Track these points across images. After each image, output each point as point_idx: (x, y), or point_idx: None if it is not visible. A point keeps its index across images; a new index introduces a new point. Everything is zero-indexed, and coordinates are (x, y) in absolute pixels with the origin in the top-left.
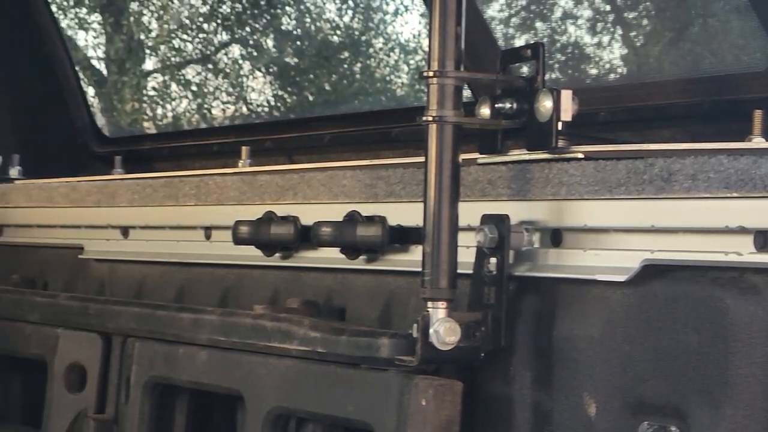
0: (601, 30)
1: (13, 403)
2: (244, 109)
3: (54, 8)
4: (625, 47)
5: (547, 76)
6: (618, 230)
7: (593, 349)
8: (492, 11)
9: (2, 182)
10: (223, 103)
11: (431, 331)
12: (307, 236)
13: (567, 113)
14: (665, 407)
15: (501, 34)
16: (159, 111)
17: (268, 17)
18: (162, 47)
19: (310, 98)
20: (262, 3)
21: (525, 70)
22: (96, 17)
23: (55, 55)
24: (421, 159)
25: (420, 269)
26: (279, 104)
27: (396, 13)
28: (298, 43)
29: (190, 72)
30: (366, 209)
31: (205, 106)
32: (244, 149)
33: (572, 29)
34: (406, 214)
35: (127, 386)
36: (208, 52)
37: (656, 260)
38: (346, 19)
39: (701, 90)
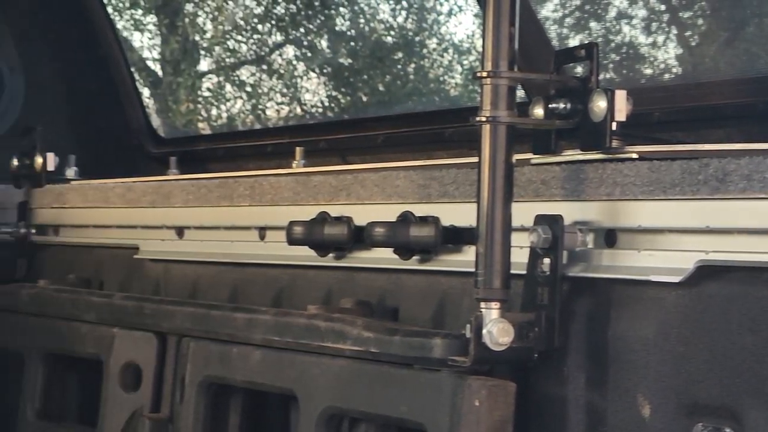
0: (655, 30)
1: (69, 402)
2: (298, 110)
3: (110, 10)
4: (679, 47)
5: (601, 76)
6: (672, 231)
7: (647, 350)
8: (546, 11)
9: (59, 182)
10: (278, 103)
11: (484, 331)
12: (361, 236)
13: (621, 113)
14: (720, 408)
15: (555, 34)
16: (213, 112)
17: (322, 18)
18: (216, 48)
19: (364, 99)
20: (317, 4)
21: (579, 70)
22: (151, 18)
23: (110, 57)
24: (475, 159)
25: (473, 269)
26: (333, 105)
27: (450, 13)
28: (352, 43)
29: (245, 73)
30: (419, 209)
31: (260, 106)
32: (298, 150)
33: (626, 29)
34: (460, 214)
35: (182, 386)
36: (263, 53)
37: (711, 261)
38: (400, 19)
39: (756, 90)
